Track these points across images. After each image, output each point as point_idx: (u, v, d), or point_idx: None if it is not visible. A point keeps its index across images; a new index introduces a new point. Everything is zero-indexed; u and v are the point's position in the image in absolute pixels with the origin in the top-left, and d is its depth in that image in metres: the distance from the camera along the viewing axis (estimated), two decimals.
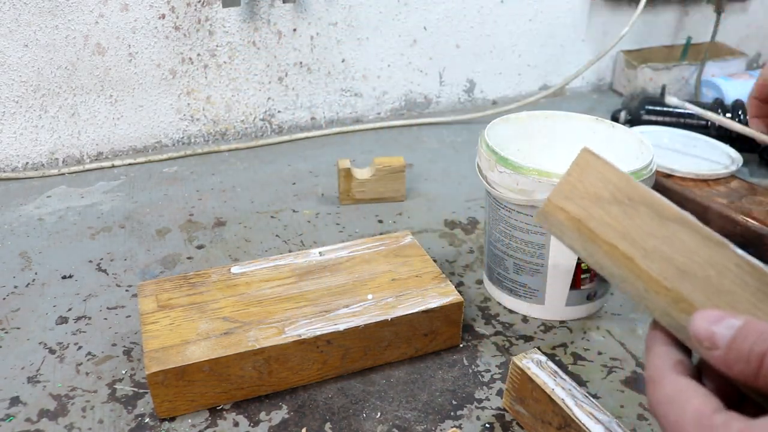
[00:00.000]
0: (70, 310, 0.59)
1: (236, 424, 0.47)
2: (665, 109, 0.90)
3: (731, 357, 0.27)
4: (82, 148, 0.86)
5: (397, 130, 0.97)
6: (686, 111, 0.89)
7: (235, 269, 0.55)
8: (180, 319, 0.50)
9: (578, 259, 0.54)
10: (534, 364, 0.45)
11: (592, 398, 0.43)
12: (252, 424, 0.47)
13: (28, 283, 0.62)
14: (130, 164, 0.86)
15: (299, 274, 0.55)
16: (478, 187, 0.56)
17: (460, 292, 0.54)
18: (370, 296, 0.52)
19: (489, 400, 0.50)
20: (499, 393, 0.50)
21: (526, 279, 0.57)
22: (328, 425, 0.47)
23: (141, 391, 0.50)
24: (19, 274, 0.63)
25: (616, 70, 1.14)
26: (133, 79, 0.85)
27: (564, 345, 0.56)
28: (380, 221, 0.73)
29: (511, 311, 0.59)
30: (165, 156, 0.87)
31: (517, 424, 0.48)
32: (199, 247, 0.68)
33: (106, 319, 0.58)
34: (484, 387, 0.51)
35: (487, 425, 0.48)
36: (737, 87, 1.02)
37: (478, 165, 0.57)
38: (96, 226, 0.72)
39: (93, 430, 0.47)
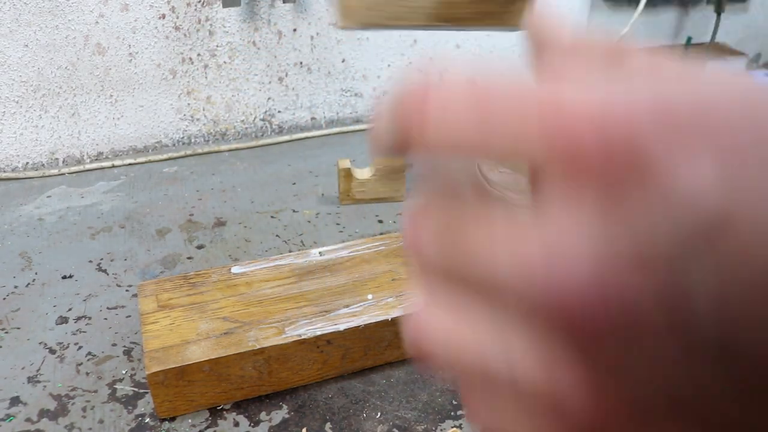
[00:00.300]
0: (70, 310, 0.59)
1: (236, 424, 0.47)
2: None
3: None
4: (82, 148, 0.86)
5: None
6: None
7: (235, 269, 0.55)
8: (180, 319, 0.50)
9: None
10: None
11: None
12: (252, 424, 0.47)
13: (28, 283, 0.62)
14: (130, 164, 0.86)
15: (299, 274, 0.55)
16: None
17: None
18: (370, 296, 0.52)
19: None
20: None
21: None
22: (328, 425, 0.47)
23: (141, 391, 0.50)
24: (19, 274, 0.63)
25: None
26: (133, 79, 0.85)
27: None
28: (380, 221, 0.73)
29: None
30: (165, 156, 0.87)
31: None
32: (199, 247, 0.68)
33: (106, 319, 0.58)
34: None
35: None
36: None
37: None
38: (96, 226, 0.72)
39: (93, 430, 0.47)
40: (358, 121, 0.99)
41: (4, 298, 0.60)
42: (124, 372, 0.52)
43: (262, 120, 0.94)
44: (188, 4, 0.83)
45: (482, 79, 0.15)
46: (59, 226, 0.72)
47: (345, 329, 0.49)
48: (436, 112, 0.15)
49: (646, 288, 0.12)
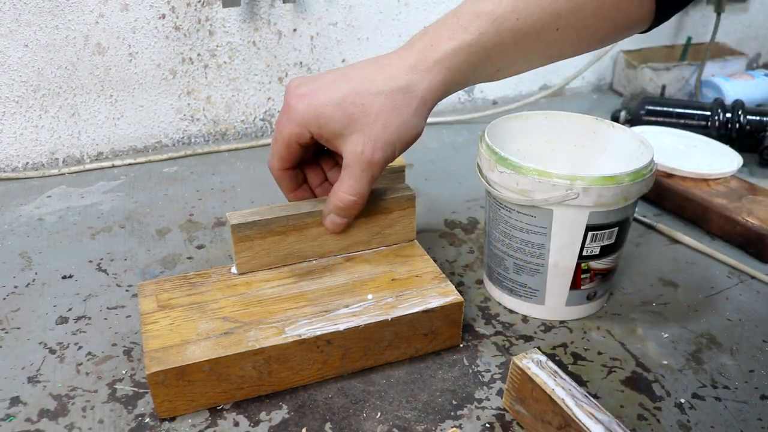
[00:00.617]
0: (70, 310, 0.59)
1: (236, 424, 0.47)
2: (665, 109, 0.90)
3: None
4: (82, 148, 0.86)
5: None
6: (684, 111, 0.90)
7: (235, 269, 0.55)
8: (180, 319, 0.50)
9: (578, 258, 0.54)
10: (534, 364, 0.45)
11: (592, 398, 0.43)
12: (252, 424, 0.47)
13: (28, 283, 0.62)
14: (130, 164, 0.86)
15: (299, 274, 0.55)
16: (478, 187, 0.56)
17: (460, 292, 0.54)
18: (370, 296, 0.52)
19: (489, 400, 0.50)
20: (499, 393, 0.50)
21: (526, 279, 0.57)
22: (328, 425, 0.47)
23: (141, 391, 0.50)
24: (19, 274, 0.63)
25: (616, 70, 1.14)
26: (133, 79, 0.85)
27: (564, 345, 0.56)
28: None
29: (511, 311, 0.59)
30: (165, 156, 0.87)
31: (518, 424, 0.48)
32: (199, 247, 0.68)
33: (106, 319, 0.58)
34: (484, 387, 0.51)
35: (487, 425, 0.48)
36: (737, 87, 1.02)
37: (478, 165, 0.57)
38: (96, 226, 0.72)
39: (93, 430, 0.47)
40: None
41: (4, 298, 0.60)
42: (124, 372, 0.52)
43: (262, 120, 0.94)
44: (188, 4, 0.83)
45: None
46: (59, 226, 0.72)
47: (345, 329, 0.49)
48: None
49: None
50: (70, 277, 0.63)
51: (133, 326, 0.57)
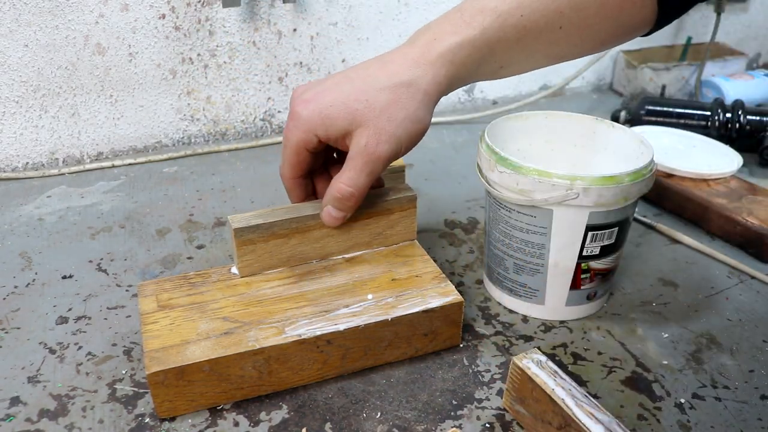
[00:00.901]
0: (70, 310, 0.59)
1: (236, 424, 0.47)
2: (665, 109, 0.90)
3: None
4: (82, 148, 0.86)
5: None
6: (684, 111, 0.90)
7: (235, 269, 0.55)
8: (180, 319, 0.50)
9: (578, 258, 0.54)
10: (534, 364, 0.45)
11: (592, 398, 0.43)
12: (252, 424, 0.47)
13: (28, 283, 0.62)
14: (130, 164, 0.86)
15: (299, 275, 0.55)
16: (478, 187, 0.56)
17: (460, 292, 0.54)
18: (370, 296, 0.52)
19: (489, 400, 0.50)
20: (499, 393, 0.50)
21: (526, 279, 0.57)
22: (328, 425, 0.47)
23: (141, 391, 0.50)
24: (19, 274, 0.63)
25: (616, 70, 1.14)
26: (133, 79, 0.85)
27: (564, 345, 0.56)
28: None
29: (511, 311, 0.59)
30: (165, 156, 0.87)
31: (518, 424, 0.48)
32: (199, 247, 0.68)
33: (106, 319, 0.58)
34: (484, 387, 0.51)
35: (487, 425, 0.48)
36: (737, 87, 1.02)
37: (478, 165, 0.57)
38: (96, 226, 0.72)
39: (93, 430, 0.47)
40: None
41: (4, 298, 0.60)
42: (124, 372, 0.52)
43: (262, 120, 0.94)
44: (188, 4, 0.83)
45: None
46: (59, 226, 0.72)
47: (345, 329, 0.49)
48: None
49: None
50: (70, 277, 0.63)
51: (133, 326, 0.57)
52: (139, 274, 0.64)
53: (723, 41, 1.18)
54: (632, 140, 0.59)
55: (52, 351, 0.54)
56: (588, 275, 0.56)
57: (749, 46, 1.23)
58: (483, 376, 0.52)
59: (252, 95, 0.92)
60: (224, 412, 0.48)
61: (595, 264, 0.55)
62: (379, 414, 0.48)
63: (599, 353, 0.55)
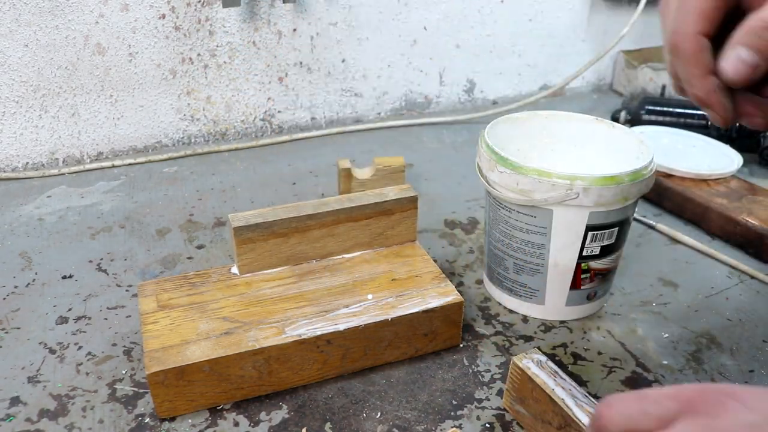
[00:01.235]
0: (70, 310, 0.59)
1: (236, 424, 0.47)
2: (665, 109, 0.90)
3: None
4: (82, 148, 0.86)
5: (397, 130, 0.97)
6: (684, 110, 0.90)
7: (235, 269, 0.55)
8: (180, 319, 0.50)
9: (578, 258, 0.54)
10: (534, 364, 0.45)
11: (592, 398, 0.43)
12: (252, 424, 0.47)
13: (28, 283, 0.62)
14: (130, 164, 0.86)
15: (299, 274, 0.55)
16: (478, 187, 0.56)
17: (460, 292, 0.54)
18: (370, 296, 0.52)
19: (489, 400, 0.50)
20: (499, 393, 0.50)
21: (526, 279, 0.57)
22: (328, 425, 0.47)
23: (141, 391, 0.50)
24: (19, 274, 0.63)
25: (616, 70, 1.14)
26: (133, 79, 0.85)
27: (564, 345, 0.56)
28: None
29: (511, 311, 0.59)
30: (165, 156, 0.87)
31: (518, 424, 0.48)
32: (199, 247, 0.68)
33: (106, 319, 0.58)
34: (484, 387, 0.51)
35: (487, 425, 0.48)
36: None
37: (478, 165, 0.57)
38: (96, 226, 0.72)
39: (93, 430, 0.47)
40: (358, 121, 1.00)
41: (4, 298, 0.60)
42: (124, 372, 0.52)
43: (262, 120, 0.94)
44: (188, 4, 0.83)
45: None
46: (59, 226, 0.72)
47: (345, 329, 0.49)
48: None
49: None
50: (70, 277, 0.63)
51: (133, 326, 0.57)
52: (139, 274, 0.64)
53: None
54: (632, 140, 0.59)
55: (52, 351, 0.54)
56: (588, 275, 0.56)
57: None
58: (483, 376, 0.52)
59: (252, 95, 0.92)
60: (224, 412, 0.48)
61: (595, 264, 0.55)
62: (379, 414, 0.48)
63: (599, 353, 0.55)
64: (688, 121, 0.89)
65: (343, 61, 0.95)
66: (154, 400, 0.46)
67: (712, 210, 0.71)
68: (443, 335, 0.53)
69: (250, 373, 0.48)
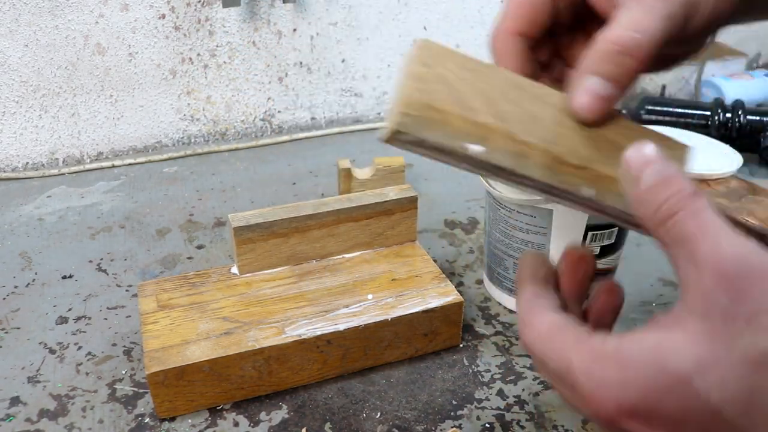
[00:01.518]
0: (70, 310, 0.59)
1: (236, 424, 0.47)
2: (665, 109, 0.90)
3: (644, 200, 0.27)
4: (82, 148, 0.86)
5: None
6: (684, 110, 0.89)
7: (235, 269, 0.55)
8: (180, 319, 0.50)
9: None
10: None
11: None
12: (252, 424, 0.47)
13: (28, 283, 0.62)
14: (130, 164, 0.86)
15: (299, 274, 0.55)
16: (478, 187, 0.56)
17: (460, 292, 0.54)
18: (370, 296, 0.52)
19: (489, 400, 0.50)
20: (499, 393, 0.50)
21: None
22: (328, 425, 0.47)
23: (141, 391, 0.50)
24: (19, 274, 0.63)
25: None
26: (133, 79, 0.85)
27: None
28: None
29: (511, 311, 0.59)
30: (165, 156, 0.87)
31: (518, 424, 0.47)
32: (199, 247, 0.68)
33: (106, 319, 0.58)
34: (484, 387, 0.51)
35: (487, 425, 0.48)
36: (737, 87, 1.02)
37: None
38: (96, 226, 0.72)
39: (93, 430, 0.47)
40: (358, 121, 1.00)
41: (4, 298, 0.60)
42: (124, 372, 0.52)
43: (262, 120, 0.94)
44: (188, 4, 0.83)
45: None
46: (59, 226, 0.72)
47: (345, 329, 0.49)
48: None
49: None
50: (70, 277, 0.63)
51: (133, 326, 0.57)
52: (139, 274, 0.64)
53: (723, 41, 1.17)
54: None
55: (52, 351, 0.54)
56: None
57: (749, 46, 1.23)
58: (483, 376, 0.52)
59: (252, 95, 0.92)
60: (224, 412, 0.48)
61: None
62: (379, 414, 0.48)
63: None
64: (688, 121, 0.89)
65: (343, 61, 0.95)
66: (154, 400, 0.46)
67: None
68: (443, 335, 0.53)
69: (250, 373, 0.48)
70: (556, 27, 0.34)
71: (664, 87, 1.03)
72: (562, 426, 0.47)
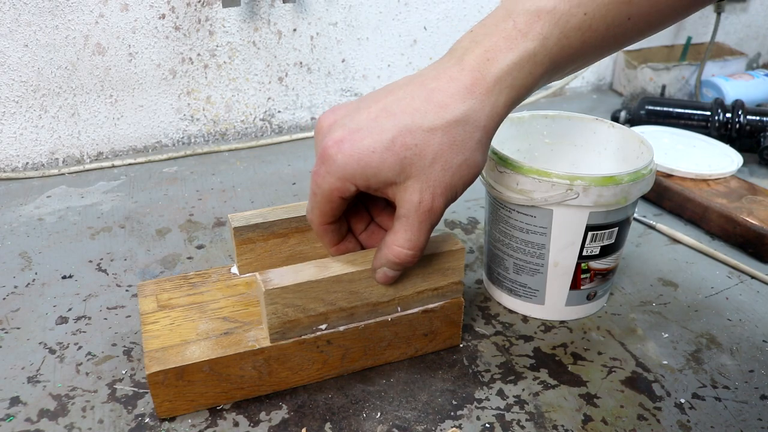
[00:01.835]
0: (70, 310, 0.59)
1: (236, 424, 0.47)
2: (665, 109, 0.91)
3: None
4: (82, 148, 0.86)
5: None
6: (684, 111, 0.90)
7: (235, 269, 0.55)
8: (180, 319, 0.50)
9: (578, 258, 0.54)
10: None
11: None
12: (252, 424, 0.47)
13: (28, 283, 0.62)
14: (130, 164, 0.86)
15: None
16: (478, 187, 0.56)
17: None
18: None
19: (489, 400, 0.50)
20: (499, 393, 0.50)
21: (526, 279, 0.57)
22: (328, 425, 0.47)
23: (141, 391, 0.50)
24: (19, 274, 0.63)
25: (616, 70, 1.14)
26: (133, 79, 0.85)
27: (564, 345, 0.56)
28: None
29: (511, 311, 0.59)
30: (165, 156, 0.87)
31: (518, 424, 0.48)
32: (199, 247, 0.68)
33: (106, 319, 0.58)
34: (484, 387, 0.51)
35: (487, 425, 0.48)
36: (737, 87, 1.02)
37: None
38: (96, 226, 0.72)
39: (93, 430, 0.47)
40: None
41: (4, 298, 0.60)
42: (124, 372, 0.52)
43: (262, 120, 0.94)
44: (188, 4, 0.83)
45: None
46: (59, 226, 0.72)
47: (345, 329, 0.49)
48: None
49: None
50: (70, 277, 0.63)
51: (133, 326, 0.57)
52: (139, 274, 0.64)
53: (723, 41, 1.18)
54: (632, 140, 0.59)
55: (52, 351, 0.54)
56: (588, 275, 0.56)
57: (749, 46, 1.23)
58: (483, 376, 0.52)
59: (252, 95, 0.92)
60: (224, 412, 0.48)
61: (595, 264, 0.55)
62: (379, 414, 0.48)
63: (599, 353, 0.55)
64: (688, 121, 0.89)
65: (343, 61, 0.95)
66: (154, 400, 0.46)
67: (712, 210, 0.71)
68: (443, 335, 0.53)
69: (250, 373, 0.48)
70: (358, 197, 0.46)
71: (664, 87, 1.03)
72: (562, 426, 0.47)
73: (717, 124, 0.87)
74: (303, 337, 0.48)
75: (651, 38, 1.14)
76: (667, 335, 0.57)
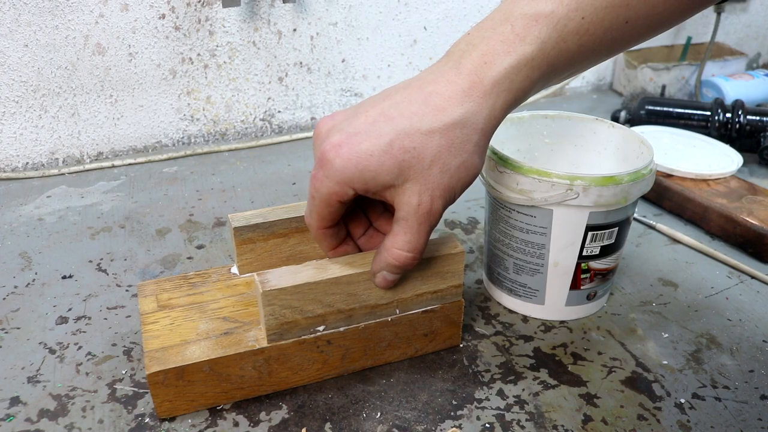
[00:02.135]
0: (70, 310, 0.59)
1: (236, 424, 0.47)
2: (665, 109, 0.91)
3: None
4: (82, 148, 0.86)
5: None
6: (684, 111, 0.90)
7: (235, 269, 0.55)
8: (180, 319, 0.50)
9: (578, 258, 0.54)
10: None
11: None
12: (252, 424, 0.47)
13: (28, 283, 0.62)
14: (130, 164, 0.86)
15: None
16: (478, 187, 0.56)
17: None
18: None
19: (489, 400, 0.50)
20: (499, 393, 0.50)
21: (526, 279, 0.57)
22: (328, 425, 0.47)
23: (141, 391, 0.50)
24: (19, 274, 0.63)
25: (616, 70, 1.14)
26: (133, 79, 0.85)
27: (564, 345, 0.56)
28: None
29: (511, 311, 0.59)
30: (165, 156, 0.87)
31: (518, 424, 0.47)
32: (199, 247, 0.68)
33: (106, 319, 0.58)
34: (484, 387, 0.51)
35: (487, 425, 0.48)
36: (737, 87, 1.02)
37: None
38: (96, 226, 0.72)
39: (93, 430, 0.47)
40: None
41: (4, 298, 0.60)
42: (123, 372, 0.52)
43: (262, 120, 0.94)
44: (188, 4, 0.83)
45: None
46: (59, 226, 0.72)
47: (345, 329, 0.49)
48: None
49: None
50: (70, 277, 0.63)
51: (133, 326, 0.57)
52: (139, 274, 0.64)
53: (723, 41, 1.18)
54: (632, 140, 0.59)
55: (52, 351, 0.54)
56: (588, 275, 0.56)
57: (749, 46, 1.23)
58: (483, 376, 0.52)
59: (252, 95, 0.92)
60: (224, 412, 0.48)
61: (595, 264, 0.55)
62: (379, 414, 0.48)
63: (599, 353, 0.55)
64: (688, 121, 0.89)
65: (343, 61, 0.95)
66: (154, 400, 0.46)
67: (712, 210, 0.71)
68: (443, 335, 0.53)
69: (250, 373, 0.48)
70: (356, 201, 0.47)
71: (664, 87, 1.03)
72: (562, 426, 0.47)
73: (717, 124, 0.87)
74: (303, 337, 0.48)
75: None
76: (667, 335, 0.57)
